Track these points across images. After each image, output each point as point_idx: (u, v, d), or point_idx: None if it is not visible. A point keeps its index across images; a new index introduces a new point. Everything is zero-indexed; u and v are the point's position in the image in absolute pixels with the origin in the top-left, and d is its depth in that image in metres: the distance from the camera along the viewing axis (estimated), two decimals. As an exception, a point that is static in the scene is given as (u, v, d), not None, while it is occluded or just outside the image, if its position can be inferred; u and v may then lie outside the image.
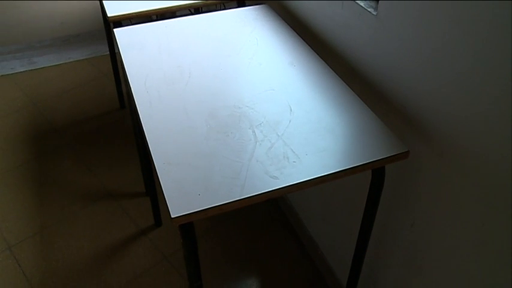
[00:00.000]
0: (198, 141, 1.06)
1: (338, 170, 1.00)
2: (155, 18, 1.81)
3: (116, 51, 2.40)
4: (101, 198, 2.07)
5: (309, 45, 1.39)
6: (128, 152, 2.31)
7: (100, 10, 2.68)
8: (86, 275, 1.77)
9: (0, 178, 2.15)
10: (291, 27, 1.50)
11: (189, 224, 0.94)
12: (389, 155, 1.03)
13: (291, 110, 1.15)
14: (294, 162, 1.01)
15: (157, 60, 1.31)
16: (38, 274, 1.77)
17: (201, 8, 2.15)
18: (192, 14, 1.74)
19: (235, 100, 1.18)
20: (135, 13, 1.54)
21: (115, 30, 1.44)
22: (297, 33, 1.46)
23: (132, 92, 1.20)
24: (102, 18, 2.65)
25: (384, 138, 1.07)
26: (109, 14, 1.52)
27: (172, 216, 0.90)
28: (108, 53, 2.43)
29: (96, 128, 2.45)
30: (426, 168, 1.11)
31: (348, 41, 1.29)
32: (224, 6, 1.78)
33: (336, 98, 1.18)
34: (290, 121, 1.12)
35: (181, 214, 0.90)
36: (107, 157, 2.28)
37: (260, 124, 1.11)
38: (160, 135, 1.07)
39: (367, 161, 1.02)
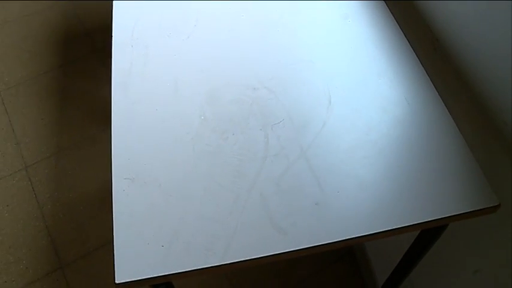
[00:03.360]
0: (182, 144, 0.66)
1: (382, 229, 0.59)
2: None
3: None
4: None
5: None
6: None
7: None
8: (97, 212, 1.53)
9: (25, 86, 1.86)
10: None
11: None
12: (468, 210, 0.60)
13: (329, 103, 0.71)
14: (316, 204, 0.61)
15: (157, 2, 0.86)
16: (49, 202, 1.54)
17: None
18: None
19: (250, 73, 0.74)
20: None
21: None
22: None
23: (113, 46, 0.78)
24: None
25: (467, 178, 0.63)
26: None
27: (116, 282, 0.55)
28: None
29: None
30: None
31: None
32: None
33: (406, 91, 0.72)
34: (324, 124, 0.68)
35: (130, 280, 0.55)
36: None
37: (279, 123, 0.68)
38: (131, 125, 0.68)
39: (433, 218, 0.60)
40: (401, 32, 0.79)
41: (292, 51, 0.77)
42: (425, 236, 0.73)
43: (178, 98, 0.71)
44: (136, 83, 0.73)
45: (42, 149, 1.67)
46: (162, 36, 0.79)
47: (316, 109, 0.70)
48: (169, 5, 0.84)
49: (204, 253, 0.56)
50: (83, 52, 1.97)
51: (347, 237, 0.58)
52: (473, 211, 0.61)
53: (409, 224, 0.59)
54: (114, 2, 0.85)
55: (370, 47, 0.77)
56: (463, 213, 0.60)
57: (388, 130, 0.67)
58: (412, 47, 0.77)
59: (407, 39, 0.78)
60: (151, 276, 0.55)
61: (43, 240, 1.47)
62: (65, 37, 2.03)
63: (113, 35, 0.80)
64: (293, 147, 0.65)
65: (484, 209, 0.61)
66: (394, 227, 0.59)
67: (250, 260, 0.56)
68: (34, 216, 1.52)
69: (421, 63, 0.75)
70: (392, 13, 0.82)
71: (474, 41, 0.70)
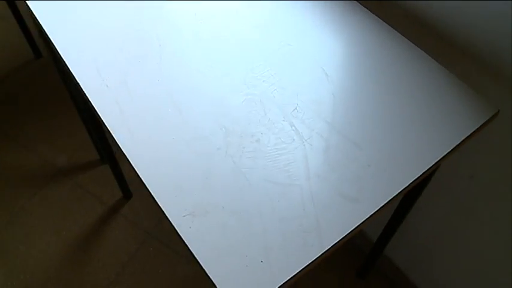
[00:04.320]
0: (217, 161, 0.64)
1: (430, 164, 0.65)
2: None
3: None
4: (50, 180, 1.57)
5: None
6: (63, 112, 1.74)
7: None
8: (66, 281, 1.37)
9: None
10: None
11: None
12: (476, 128, 0.69)
13: (327, 75, 0.74)
14: (368, 166, 0.64)
15: (104, 29, 0.79)
16: (5, 295, 1.34)
17: None
18: None
19: (242, 72, 0.73)
20: None
21: (29, 2, 0.85)
22: None
23: (86, 93, 0.71)
24: None
25: (459, 98, 0.72)
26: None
27: (237, 315, 0.52)
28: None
29: (14, 89, 1.81)
30: (502, 115, 0.79)
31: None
32: None
33: (379, 45, 0.78)
34: (333, 95, 0.71)
35: (250, 306, 0.53)
36: (40, 124, 1.71)
37: (295, 109, 0.69)
38: (157, 164, 0.63)
39: (450, 149, 0.67)
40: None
41: (267, 40, 0.78)
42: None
43: (189, 120, 0.67)
44: (136, 122, 0.67)
45: (-32, 244, 1.43)
46: (133, 65, 0.74)
47: (319, 85, 0.72)
48: (122, 32, 0.77)
49: (304, 249, 0.56)
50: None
51: (409, 182, 0.62)
52: (480, 126, 0.69)
53: (439, 159, 0.65)
54: (55, 42, 0.76)
55: (328, 15, 0.81)
56: (474, 131, 0.68)
57: (381, 81, 0.73)
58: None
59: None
60: (269, 292, 0.53)
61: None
62: None
63: (77, 80, 0.72)
64: (321, 125, 0.67)
65: (488, 120, 0.70)
66: (430, 165, 0.65)
67: (345, 236, 0.57)
68: (-6, 318, 1.31)
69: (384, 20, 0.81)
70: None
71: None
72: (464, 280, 1.12)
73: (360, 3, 0.83)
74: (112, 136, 0.66)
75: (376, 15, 0.81)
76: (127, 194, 1.55)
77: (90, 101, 0.70)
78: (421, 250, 1.22)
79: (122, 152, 0.64)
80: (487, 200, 0.92)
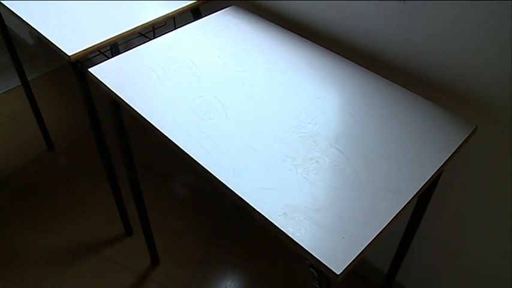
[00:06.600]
0: (292, 178, 0.88)
1: (439, 166, 0.92)
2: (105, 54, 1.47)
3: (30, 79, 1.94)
4: (79, 256, 1.70)
5: (311, 40, 1.25)
6: (81, 195, 1.92)
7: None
8: None
9: None
10: (280, 25, 1.32)
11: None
12: (457, 146, 0.97)
13: (352, 115, 1.02)
14: (398, 170, 0.90)
15: (172, 95, 1.06)
16: None
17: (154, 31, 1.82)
18: (148, 38, 1.46)
19: (291, 119, 1.01)
20: (98, 44, 1.22)
21: (92, 70, 1.12)
22: (292, 31, 1.30)
23: (176, 142, 0.94)
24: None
25: (448, 121, 1.02)
26: (69, 53, 1.17)
27: (337, 273, 0.74)
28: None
29: (31, 180, 1.97)
30: (481, 135, 1.08)
31: (368, 31, 1.18)
32: (174, 24, 1.50)
33: (378, 91, 1.08)
34: (361, 128, 0.99)
35: (346, 265, 0.74)
36: (61, 208, 1.87)
37: (337, 140, 0.96)
38: (250, 186, 0.87)
39: (454, 149, 0.96)
40: (355, 63, 1.17)
41: (299, 95, 1.07)
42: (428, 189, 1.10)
43: (262, 153, 0.92)
44: (222, 158, 0.91)
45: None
46: (206, 121, 0.99)
47: (348, 122, 1.00)
48: (188, 97, 1.04)
49: (370, 227, 0.80)
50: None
51: (427, 179, 0.88)
52: (461, 144, 0.98)
53: (442, 163, 0.93)
54: (144, 113, 1.00)
55: (340, 78, 1.13)
56: (455, 150, 0.97)
57: (390, 113, 1.02)
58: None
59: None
60: (356, 255, 0.75)
61: None
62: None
63: (169, 137, 0.95)
64: (358, 149, 0.94)
65: (468, 136, 0.99)
66: (438, 167, 0.92)
67: (396, 216, 0.82)
68: None
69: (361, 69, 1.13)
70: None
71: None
72: None
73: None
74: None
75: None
76: (155, 261, 1.70)
77: (181, 148, 0.93)
78: (427, 271, 1.44)
79: (220, 183, 0.87)
80: (479, 209, 1.19)
